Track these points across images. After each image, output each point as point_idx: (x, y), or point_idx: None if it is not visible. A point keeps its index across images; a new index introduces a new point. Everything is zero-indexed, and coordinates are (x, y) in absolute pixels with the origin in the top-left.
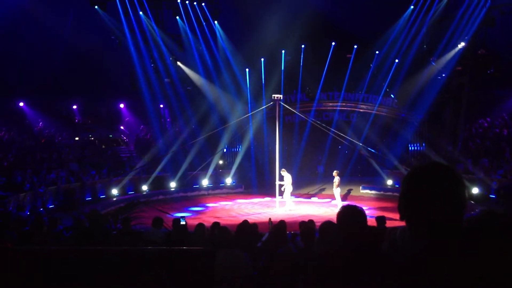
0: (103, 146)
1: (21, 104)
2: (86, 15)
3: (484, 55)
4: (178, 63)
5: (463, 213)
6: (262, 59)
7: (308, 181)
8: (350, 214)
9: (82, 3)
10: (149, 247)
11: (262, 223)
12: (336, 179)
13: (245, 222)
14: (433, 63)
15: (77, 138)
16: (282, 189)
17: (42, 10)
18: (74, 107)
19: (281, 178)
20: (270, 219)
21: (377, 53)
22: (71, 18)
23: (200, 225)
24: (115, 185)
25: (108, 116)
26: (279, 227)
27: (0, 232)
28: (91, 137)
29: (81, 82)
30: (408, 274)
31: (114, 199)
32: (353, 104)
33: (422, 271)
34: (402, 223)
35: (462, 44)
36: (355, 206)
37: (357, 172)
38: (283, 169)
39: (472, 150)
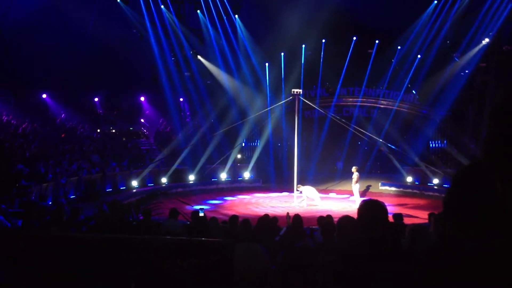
0: (124, 139)
1: (44, 96)
2: (109, 9)
3: (509, 51)
4: (199, 57)
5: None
6: (282, 54)
7: (327, 176)
8: (372, 209)
9: None
10: (169, 237)
11: (280, 218)
12: (355, 175)
13: (266, 216)
14: (456, 59)
15: (98, 131)
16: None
17: (66, 4)
18: (96, 99)
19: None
20: (288, 213)
21: (399, 49)
22: (95, 12)
23: (213, 219)
24: (135, 177)
25: (129, 109)
26: (295, 221)
27: (24, 221)
28: (112, 130)
29: (103, 75)
30: (439, 270)
31: (134, 190)
32: (373, 100)
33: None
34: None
35: (487, 40)
36: (376, 201)
37: (377, 169)
38: (298, 185)
39: None
